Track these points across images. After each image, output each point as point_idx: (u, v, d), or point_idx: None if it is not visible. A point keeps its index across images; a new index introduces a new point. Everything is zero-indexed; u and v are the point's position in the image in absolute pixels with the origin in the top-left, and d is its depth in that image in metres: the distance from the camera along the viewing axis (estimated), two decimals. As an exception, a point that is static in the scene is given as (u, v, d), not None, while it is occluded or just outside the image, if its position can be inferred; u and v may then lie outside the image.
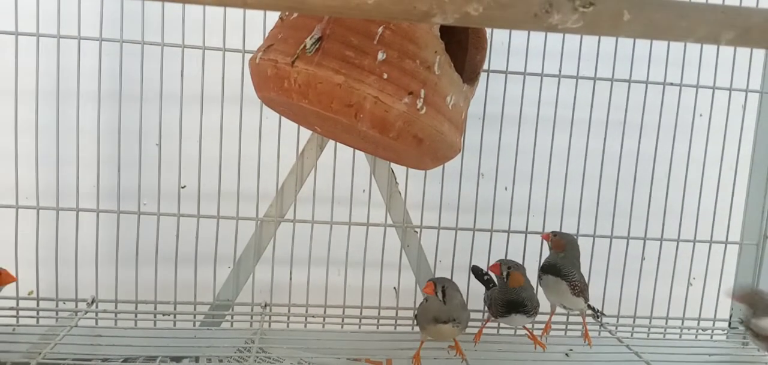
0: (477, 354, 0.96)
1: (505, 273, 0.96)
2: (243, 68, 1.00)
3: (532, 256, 1.12)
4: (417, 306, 0.97)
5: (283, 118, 0.97)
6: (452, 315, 0.88)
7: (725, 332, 1.18)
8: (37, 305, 1.04)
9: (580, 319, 1.11)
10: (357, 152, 1.05)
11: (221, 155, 1.03)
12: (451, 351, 0.96)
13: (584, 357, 1.00)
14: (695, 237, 1.15)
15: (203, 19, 0.99)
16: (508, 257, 1.07)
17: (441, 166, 0.97)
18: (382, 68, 0.72)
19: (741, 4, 0.92)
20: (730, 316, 1.19)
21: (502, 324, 1.05)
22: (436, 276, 1.12)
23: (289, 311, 1.09)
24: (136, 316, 1.05)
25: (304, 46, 0.73)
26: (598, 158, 1.11)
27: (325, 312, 1.10)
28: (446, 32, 0.77)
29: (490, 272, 1.01)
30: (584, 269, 1.10)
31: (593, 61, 1.09)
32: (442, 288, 0.89)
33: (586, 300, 1.01)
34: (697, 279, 1.16)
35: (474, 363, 0.93)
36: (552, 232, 1.04)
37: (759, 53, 1.13)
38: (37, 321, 1.03)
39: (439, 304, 0.88)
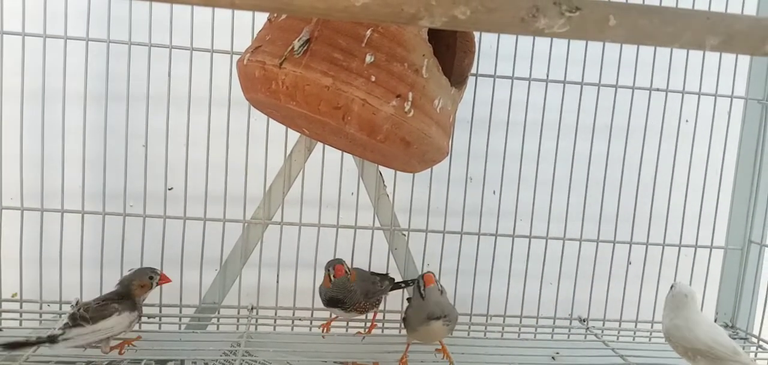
0: (463, 356, 0.96)
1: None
2: (231, 70, 1.00)
3: (519, 259, 1.12)
4: (404, 309, 0.96)
5: (271, 120, 0.96)
6: (445, 311, 0.87)
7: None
8: (21, 307, 1.03)
9: (566, 323, 1.12)
10: (345, 154, 1.05)
11: (208, 157, 1.02)
12: (437, 354, 0.95)
13: (570, 360, 1.01)
14: (680, 242, 1.16)
15: (191, 20, 0.99)
16: (494, 261, 1.07)
17: (429, 169, 0.97)
18: (370, 71, 0.72)
19: (726, 11, 0.93)
20: (714, 320, 1.20)
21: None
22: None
23: (275, 314, 1.09)
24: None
25: (292, 47, 0.73)
26: (584, 162, 1.12)
27: (312, 315, 1.10)
28: (434, 36, 0.78)
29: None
30: (570, 272, 1.11)
31: (580, 66, 1.09)
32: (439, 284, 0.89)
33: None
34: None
35: (461, 365, 0.93)
36: None
37: (744, 60, 1.14)
38: (21, 323, 1.02)
39: (437, 298, 0.87)
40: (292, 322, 1.09)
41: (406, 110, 0.73)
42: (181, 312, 1.07)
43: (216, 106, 1.01)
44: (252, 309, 1.08)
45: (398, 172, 1.06)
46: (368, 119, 0.72)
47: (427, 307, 0.87)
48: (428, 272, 0.91)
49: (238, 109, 1.00)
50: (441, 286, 0.91)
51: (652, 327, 1.16)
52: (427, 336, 0.90)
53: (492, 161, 1.10)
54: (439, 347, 0.95)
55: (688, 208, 1.14)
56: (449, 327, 0.89)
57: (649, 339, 1.15)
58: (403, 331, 1.10)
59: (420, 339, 0.92)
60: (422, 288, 0.89)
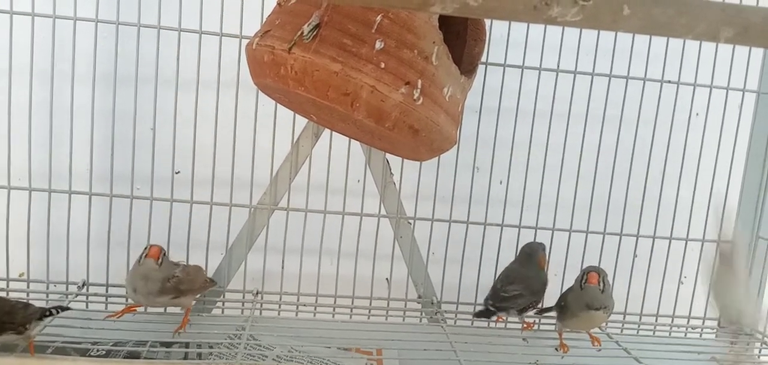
0: (466, 345, 0.96)
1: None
2: (240, 54, 0.99)
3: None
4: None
5: (279, 105, 0.96)
6: (605, 302, 0.95)
7: (714, 330, 1.18)
8: (28, 287, 1.03)
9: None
10: (352, 141, 1.05)
11: (216, 141, 1.02)
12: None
13: (574, 352, 1.00)
14: (687, 235, 1.15)
15: (200, 2, 0.98)
16: (499, 251, 1.07)
17: (436, 158, 0.97)
18: (379, 57, 0.71)
19: (741, 3, 0.92)
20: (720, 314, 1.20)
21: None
22: (430, 268, 1.12)
23: (280, 299, 1.09)
24: (127, 301, 1.05)
25: (302, 32, 0.72)
26: (593, 153, 1.11)
27: (316, 301, 1.10)
28: (445, 23, 0.77)
29: None
30: (576, 264, 1.11)
31: (591, 56, 1.08)
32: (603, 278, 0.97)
33: None
34: (688, 277, 1.17)
35: (464, 354, 0.92)
36: None
37: (757, 53, 1.12)
38: (27, 303, 1.03)
39: (597, 292, 0.95)
40: (297, 307, 1.10)
41: (415, 97, 0.73)
42: (186, 295, 1.07)
43: (224, 90, 1.01)
44: (257, 293, 1.09)
45: (405, 160, 1.05)
46: (377, 106, 0.72)
47: (586, 297, 0.95)
48: (592, 270, 0.97)
49: (246, 93, 1.00)
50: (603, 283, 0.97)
51: (656, 320, 1.16)
52: (587, 322, 0.98)
53: (500, 151, 1.10)
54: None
55: (697, 202, 1.14)
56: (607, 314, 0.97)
57: (653, 333, 1.15)
58: (408, 319, 1.11)
59: (575, 326, 0.99)
60: (583, 282, 0.96)
